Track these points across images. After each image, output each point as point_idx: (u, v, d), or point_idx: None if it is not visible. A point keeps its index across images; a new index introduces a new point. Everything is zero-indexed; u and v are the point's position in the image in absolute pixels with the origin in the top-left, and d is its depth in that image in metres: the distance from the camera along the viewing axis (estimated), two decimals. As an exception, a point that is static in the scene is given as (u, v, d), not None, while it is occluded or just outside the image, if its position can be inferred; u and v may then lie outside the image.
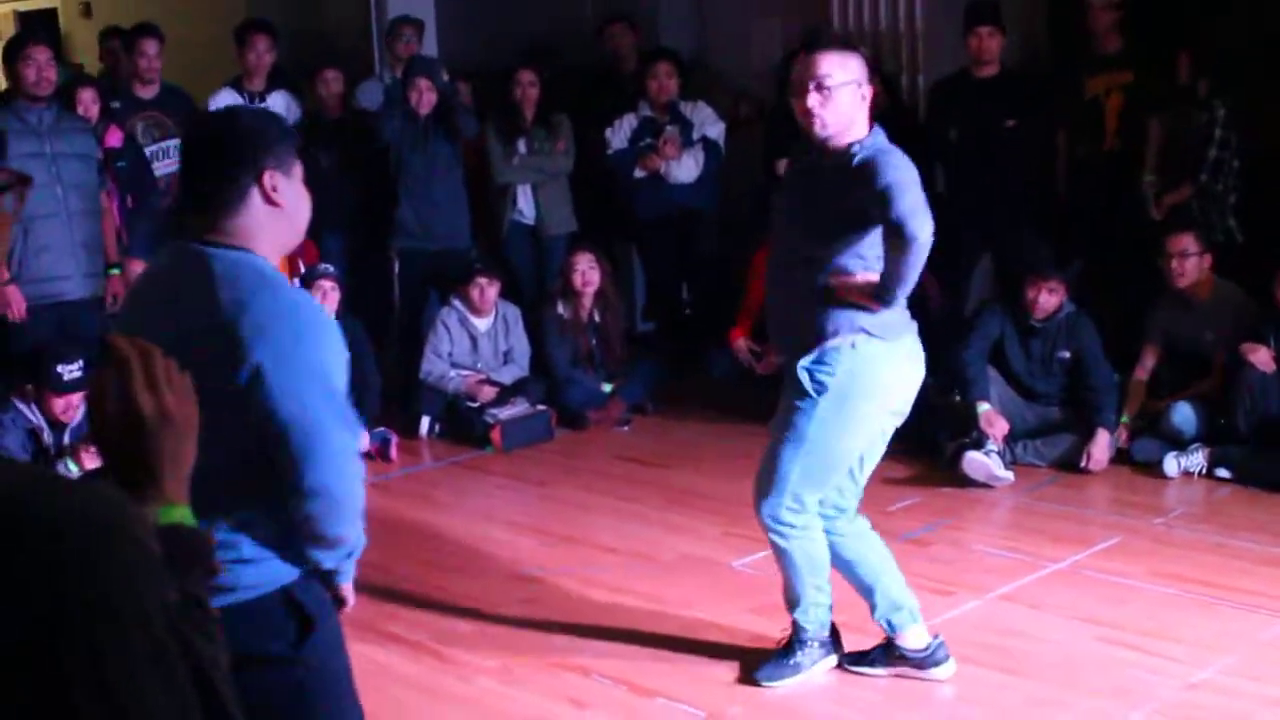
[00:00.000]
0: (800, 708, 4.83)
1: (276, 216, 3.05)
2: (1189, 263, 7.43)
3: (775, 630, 5.19)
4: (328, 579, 3.15)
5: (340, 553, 3.07)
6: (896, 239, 4.45)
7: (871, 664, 5.06)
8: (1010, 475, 7.11)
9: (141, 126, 8.95)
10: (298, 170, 3.11)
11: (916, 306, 4.93)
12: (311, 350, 2.92)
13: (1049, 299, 7.42)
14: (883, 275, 4.54)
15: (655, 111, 9.28)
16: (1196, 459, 7.13)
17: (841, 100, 4.55)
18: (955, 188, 8.76)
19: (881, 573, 4.99)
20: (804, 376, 4.67)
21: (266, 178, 3.01)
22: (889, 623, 5.00)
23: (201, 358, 2.66)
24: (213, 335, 2.87)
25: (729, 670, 5.10)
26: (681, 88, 9.36)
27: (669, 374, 9.05)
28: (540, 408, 8.43)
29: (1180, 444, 7.27)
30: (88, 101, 8.39)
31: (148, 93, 9.04)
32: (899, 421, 4.85)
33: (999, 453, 7.19)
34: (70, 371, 6.78)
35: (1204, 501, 6.90)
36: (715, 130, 9.37)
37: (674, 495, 7.24)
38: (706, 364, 9.12)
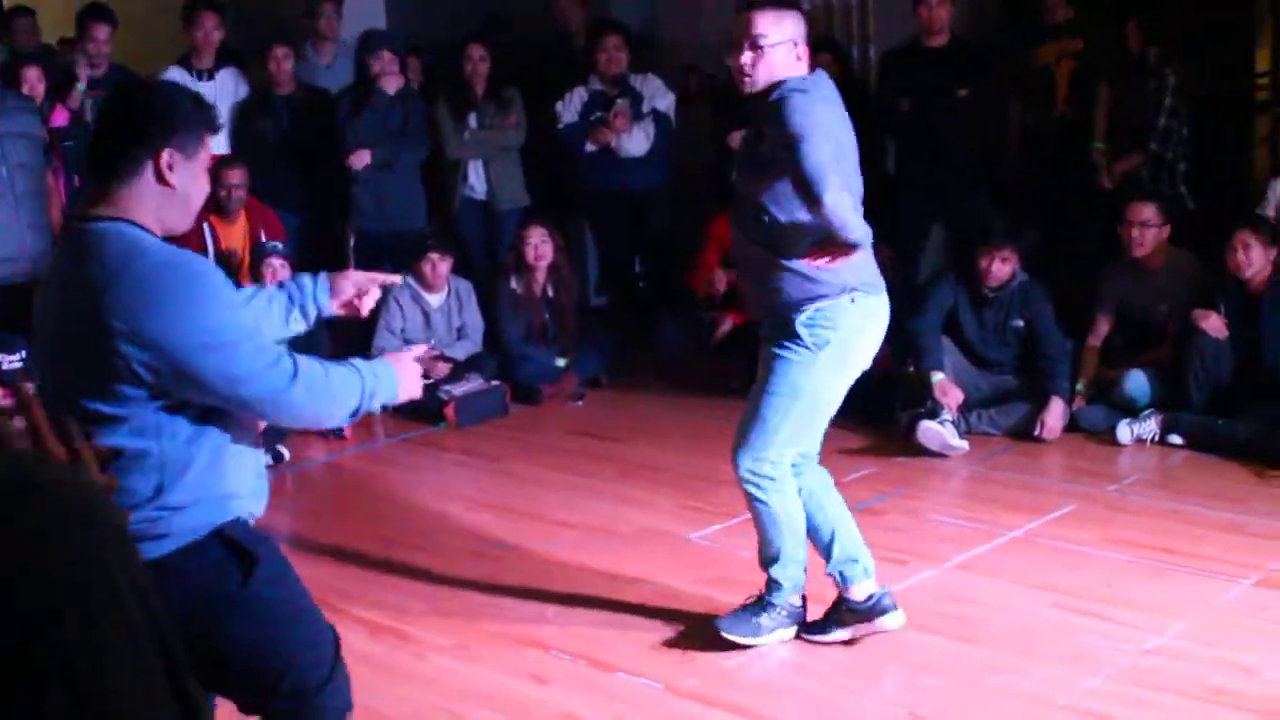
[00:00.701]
0: (756, 679, 4.83)
1: (166, 195, 3.14)
2: (1149, 233, 7.46)
3: (732, 601, 5.19)
4: None
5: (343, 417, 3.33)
6: (805, 197, 4.46)
7: (826, 630, 5.07)
8: (965, 444, 7.14)
9: (89, 103, 8.86)
10: (202, 154, 3.19)
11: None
12: (190, 305, 3.00)
13: (1001, 268, 7.44)
14: (824, 234, 4.54)
15: (605, 85, 9.26)
16: (1149, 426, 7.17)
17: (774, 59, 4.59)
18: (906, 158, 8.79)
19: (839, 523, 5.02)
20: (804, 332, 4.71)
21: (165, 156, 3.11)
22: (841, 574, 5.01)
23: (86, 331, 2.98)
24: (91, 309, 2.99)
25: (687, 642, 5.09)
26: (631, 61, 9.33)
27: (622, 348, 9.05)
28: (494, 383, 8.41)
29: (1133, 412, 7.31)
30: (33, 80, 8.30)
31: (97, 71, 8.94)
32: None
33: (953, 422, 7.21)
34: (11, 362, 6.70)
35: (1157, 468, 6.94)
36: (665, 102, 9.36)
37: (629, 469, 7.24)
38: (658, 337, 9.13)
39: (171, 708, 1.30)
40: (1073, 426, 7.40)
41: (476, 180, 9.35)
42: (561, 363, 8.72)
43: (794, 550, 5.00)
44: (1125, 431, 7.21)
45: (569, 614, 5.41)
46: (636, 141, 9.28)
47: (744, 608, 5.10)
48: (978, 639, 5.04)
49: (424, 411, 8.16)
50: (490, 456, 7.64)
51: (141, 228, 3.11)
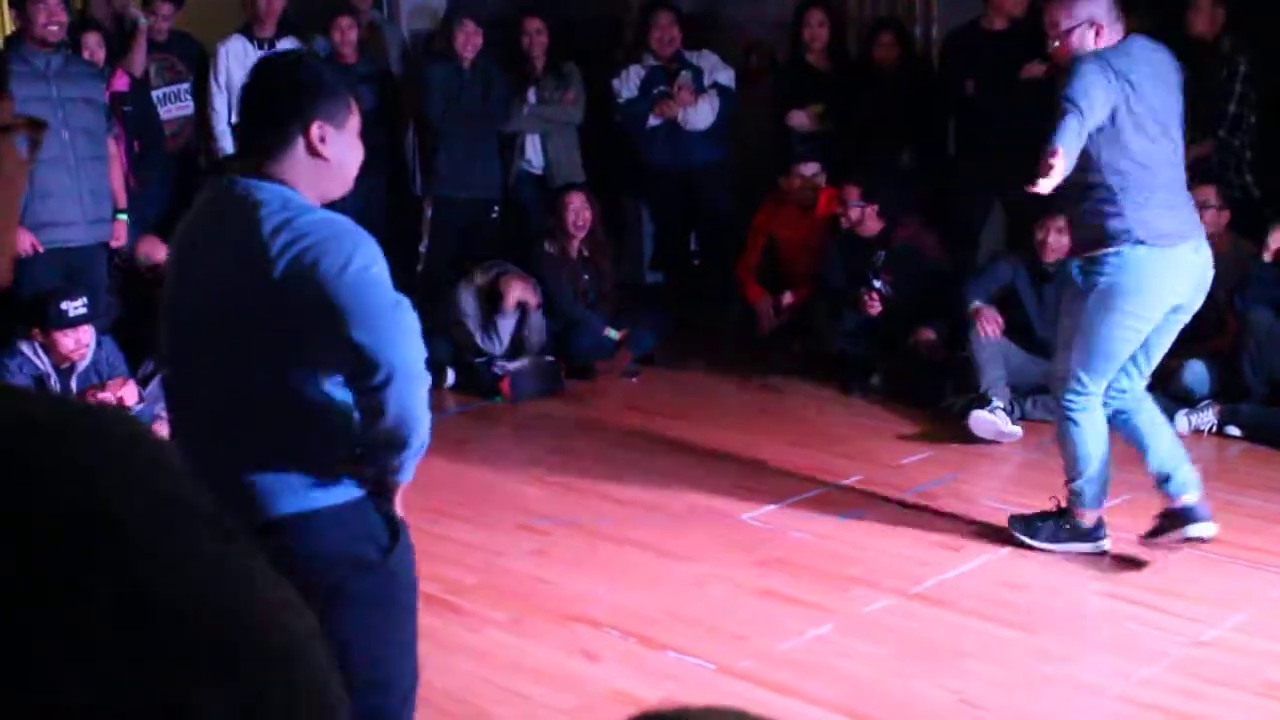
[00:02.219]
0: (806, 661, 4.82)
1: (320, 167, 3.18)
2: (1208, 214, 7.36)
3: (784, 585, 5.19)
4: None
5: (416, 444, 3.16)
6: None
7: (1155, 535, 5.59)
8: (1018, 430, 7.10)
9: (154, 68, 8.91)
10: (352, 123, 3.23)
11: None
12: (353, 262, 3.00)
13: (1058, 239, 7.37)
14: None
15: (660, 61, 9.25)
16: (1207, 416, 7.11)
17: (1071, 42, 5.25)
18: (967, 139, 8.75)
19: (1152, 441, 5.64)
20: (1080, 277, 5.35)
21: (315, 128, 3.14)
22: (1163, 488, 5.60)
23: (246, 285, 3.02)
24: (258, 260, 3.00)
25: (738, 623, 5.09)
26: (686, 38, 9.32)
27: (676, 325, 9.03)
28: (548, 359, 8.41)
29: (1191, 402, 7.25)
30: (93, 46, 8.33)
31: (159, 36, 8.98)
32: (1157, 319, 5.39)
33: (1005, 409, 7.16)
34: (75, 308, 6.77)
35: (1214, 459, 6.88)
36: (726, 76, 9.34)
37: (683, 446, 7.23)
38: (725, 308, 9.14)
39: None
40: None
41: (534, 154, 9.36)
42: (613, 334, 8.69)
43: (1095, 472, 5.56)
44: (1183, 422, 7.15)
45: (621, 591, 5.41)
46: (702, 114, 9.24)
47: (1041, 514, 5.70)
48: (1030, 626, 5.02)
49: (480, 386, 8.19)
50: (544, 431, 7.65)
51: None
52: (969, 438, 7.11)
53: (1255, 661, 4.71)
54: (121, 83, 8.50)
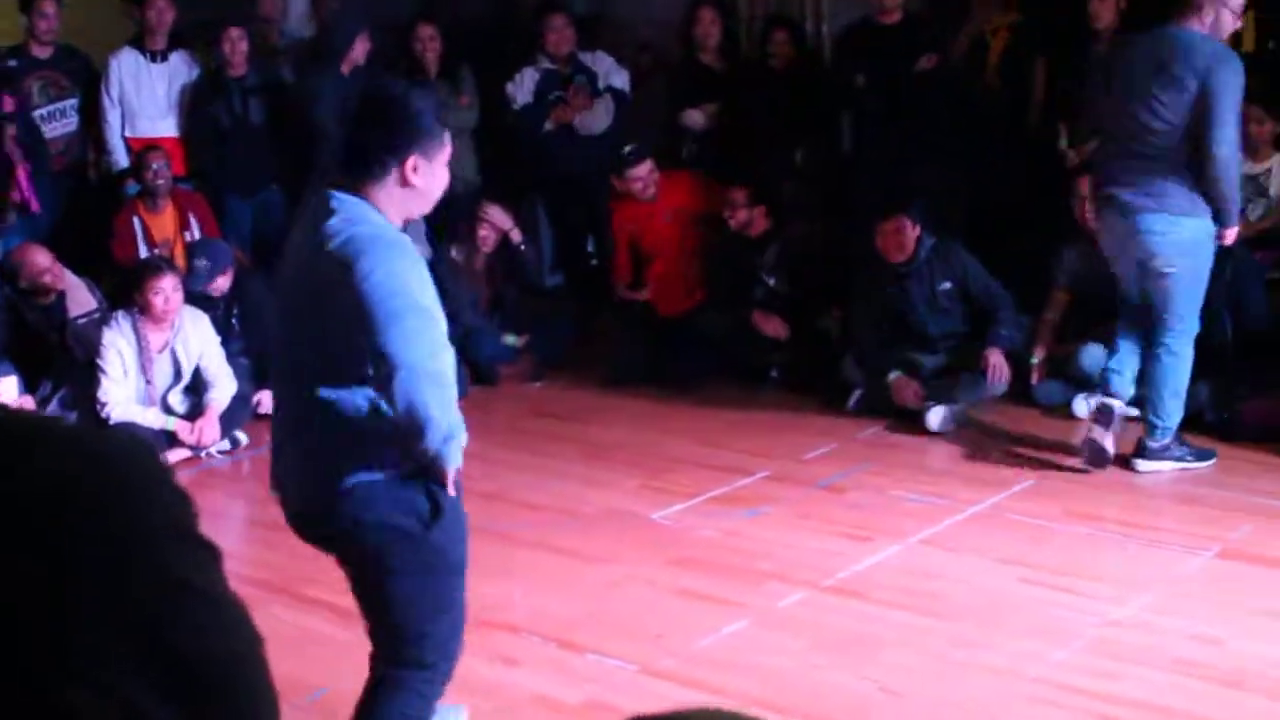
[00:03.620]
0: (727, 658, 4.84)
1: (408, 193, 3.58)
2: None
3: (699, 583, 5.21)
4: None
5: (435, 435, 3.38)
6: None
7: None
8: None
9: (37, 86, 8.79)
10: (443, 153, 3.65)
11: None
12: (377, 270, 3.34)
13: (897, 240, 7.45)
14: None
15: (555, 64, 9.23)
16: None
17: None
18: (862, 135, 8.83)
19: None
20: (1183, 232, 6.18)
21: (410, 163, 3.53)
22: None
23: (319, 285, 3.45)
24: (319, 261, 3.42)
25: (657, 623, 5.10)
26: (579, 39, 9.32)
27: (579, 329, 9.03)
28: (450, 365, 8.36)
29: (1090, 386, 7.34)
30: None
31: (43, 52, 8.87)
32: None
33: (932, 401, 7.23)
34: None
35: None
36: (620, 79, 9.34)
37: (590, 450, 7.23)
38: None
39: None
40: (1031, 402, 7.44)
41: (427, 156, 9.31)
42: (513, 339, 8.68)
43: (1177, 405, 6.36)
44: (1082, 406, 7.25)
45: (537, 596, 5.41)
46: (597, 118, 9.24)
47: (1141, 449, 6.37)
48: (944, 613, 5.07)
49: (384, 394, 8.13)
50: (450, 438, 7.61)
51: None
52: (874, 429, 7.19)
53: (1165, 639, 4.79)
54: (7, 105, 8.40)
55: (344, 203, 3.49)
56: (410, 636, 3.73)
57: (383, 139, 3.54)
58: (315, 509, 3.68)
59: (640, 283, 8.80)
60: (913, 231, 7.46)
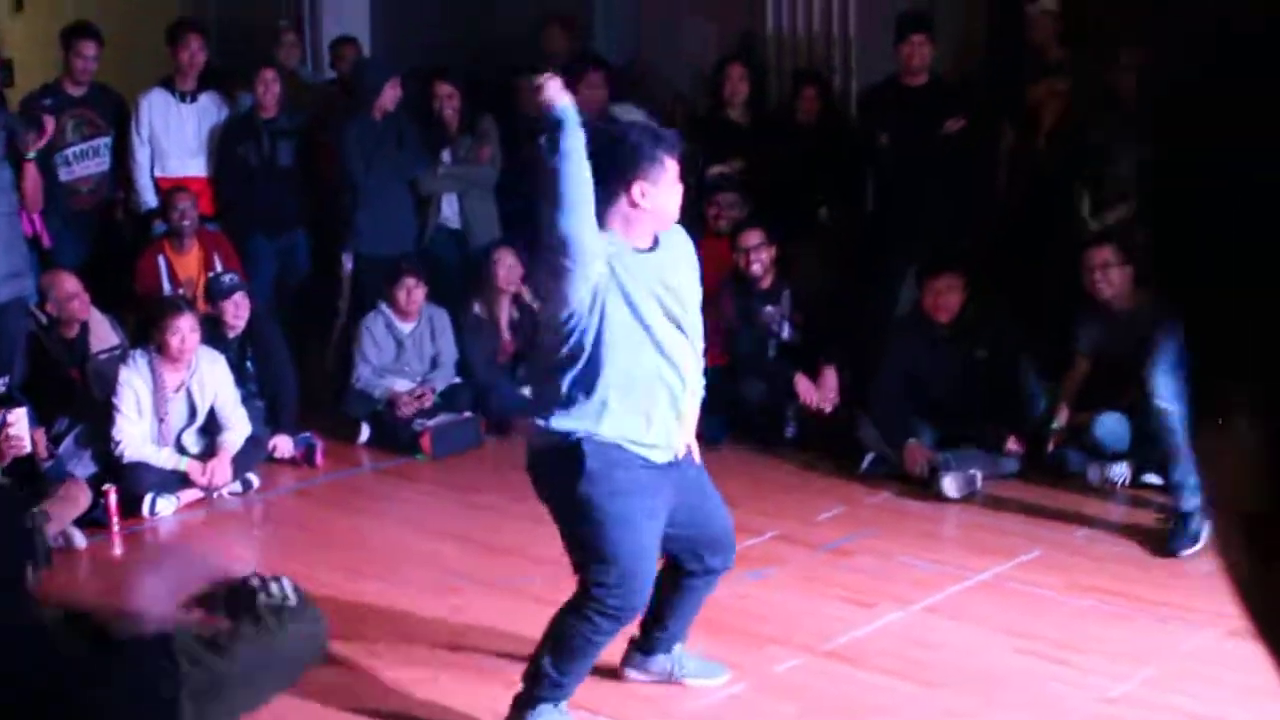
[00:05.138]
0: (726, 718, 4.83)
1: (638, 213, 4.31)
2: (1113, 273, 7.43)
3: (699, 645, 5.19)
4: None
5: None
6: None
7: None
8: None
9: (71, 124, 8.87)
10: (668, 175, 4.33)
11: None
12: None
13: (948, 298, 7.42)
14: None
15: (588, 119, 9.22)
16: (1119, 469, 7.16)
17: None
18: (885, 194, 8.84)
19: None
20: None
21: (635, 188, 4.27)
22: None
23: None
24: None
25: (658, 686, 5.08)
26: (612, 93, 9.34)
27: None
28: (468, 415, 8.39)
29: (1103, 455, 7.30)
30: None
31: (77, 90, 8.94)
32: None
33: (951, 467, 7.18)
34: None
35: (1125, 513, 6.94)
36: (652, 136, 9.35)
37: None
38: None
39: None
40: (1045, 469, 7.39)
41: (451, 212, 9.37)
42: (529, 392, 8.68)
43: None
44: (1095, 473, 7.21)
45: (534, 651, 5.38)
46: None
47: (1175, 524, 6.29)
48: (942, 683, 5.05)
49: (400, 442, 8.15)
50: (464, 488, 7.61)
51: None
52: (882, 493, 7.16)
53: (1164, 716, 4.76)
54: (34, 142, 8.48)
55: None
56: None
57: (609, 169, 4.22)
58: None
59: None
60: (963, 292, 7.44)
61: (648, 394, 4.41)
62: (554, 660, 4.57)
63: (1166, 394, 6.28)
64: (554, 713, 4.62)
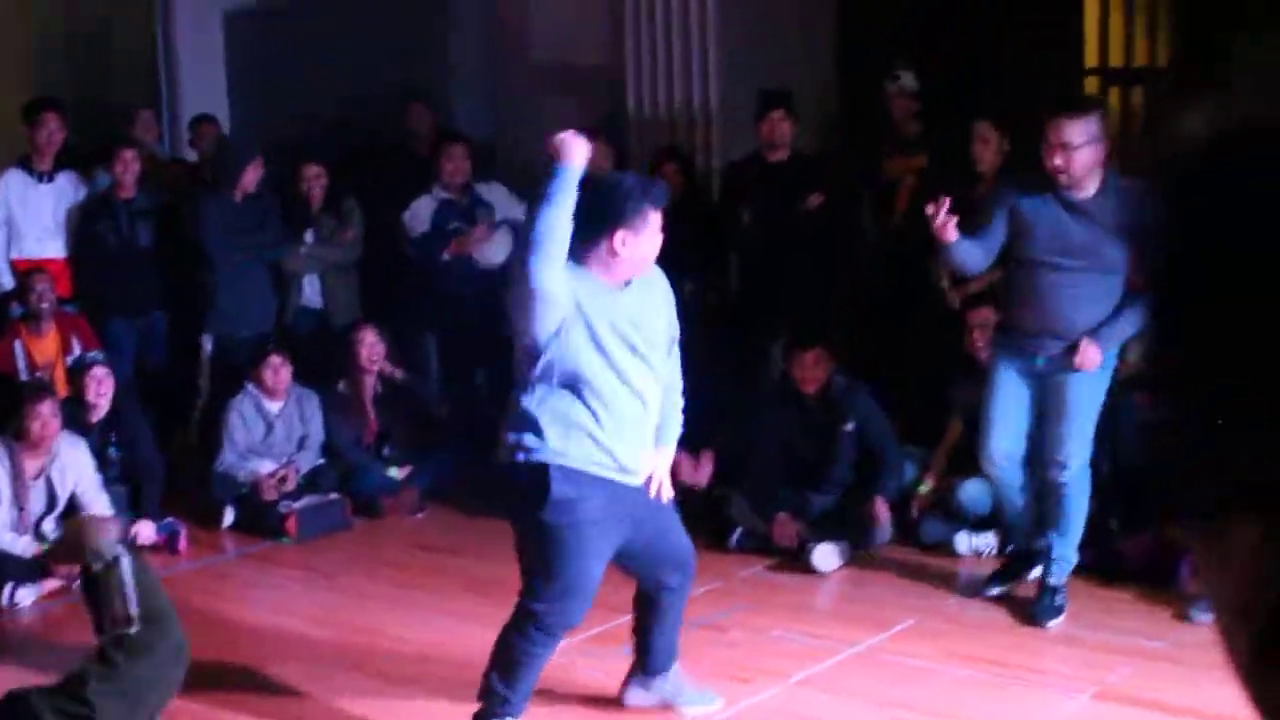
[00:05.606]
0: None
1: (616, 260, 4.67)
2: (989, 335, 7.54)
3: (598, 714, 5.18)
4: None
5: None
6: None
7: None
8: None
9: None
10: (650, 226, 4.70)
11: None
12: None
13: (815, 371, 7.48)
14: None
15: (451, 193, 9.24)
16: (987, 538, 7.23)
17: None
18: (747, 271, 8.90)
19: None
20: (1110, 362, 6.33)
21: (618, 236, 4.63)
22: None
23: None
24: None
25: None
26: (475, 170, 9.35)
27: (465, 460, 8.95)
28: (334, 496, 8.30)
29: (966, 521, 7.37)
30: None
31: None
32: None
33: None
34: None
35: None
36: (517, 212, 9.32)
37: (472, 583, 7.15)
38: None
39: None
40: (913, 539, 7.45)
41: (312, 292, 9.33)
42: (395, 472, 8.62)
43: None
44: (963, 543, 7.28)
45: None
46: (496, 250, 9.26)
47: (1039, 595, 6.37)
48: (819, 759, 5.04)
49: (265, 526, 8.04)
50: (331, 572, 7.51)
51: None
52: (754, 567, 7.16)
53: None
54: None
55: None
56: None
57: (592, 217, 4.56)
58: None
59: None
60: (829, 365, 7.50)
61: (612, 422, 4.76)
62: (500, 676, 4.94)
63: (1075, 467, 6.37)
64: None
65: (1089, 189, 6.14)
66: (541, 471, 4.74)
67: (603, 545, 4.88)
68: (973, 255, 6.39)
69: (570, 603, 4.88)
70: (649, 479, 5.02)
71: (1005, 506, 6.77)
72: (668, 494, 5.16)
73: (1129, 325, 6.26)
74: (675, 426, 5.21)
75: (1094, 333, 6.21)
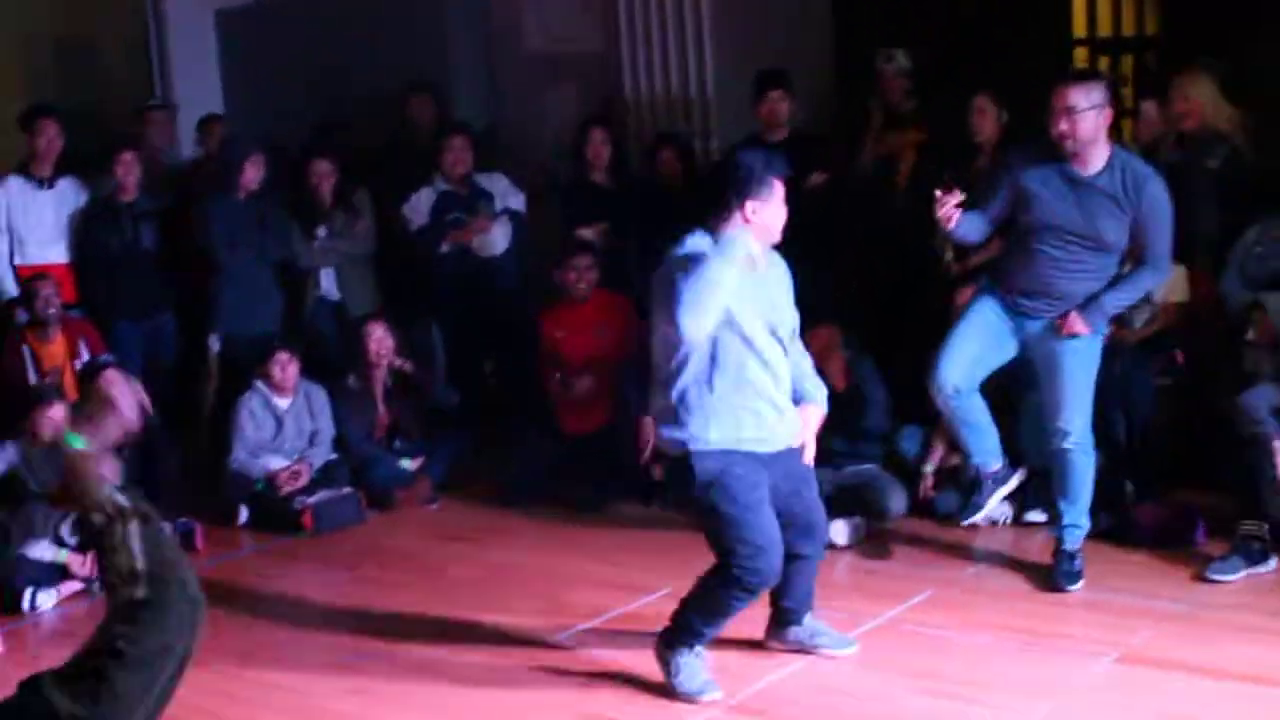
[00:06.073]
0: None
1: (750, 227, 5.10)
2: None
3: (608, 708, 5.21)
4: None
5: None
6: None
7: None
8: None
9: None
10: (777, 195, 5.18)
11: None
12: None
13: (825, 353, 7.49)
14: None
15: (452, 184, 9.26)
16: (1002, 509, 7.25)
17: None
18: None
19: None
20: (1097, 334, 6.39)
21: (749, 205, 5.10)
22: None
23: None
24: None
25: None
26: (476, 160, 9.36)
27: (476, 449, 8.98)
28: (347, 490, 8.32)
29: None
30: None
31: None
32: None
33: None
34: None
35: (1011, 548, 7.04)
36: (517, 201, 9.40)
37: (490, 571, 7.19)
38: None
39: None
40: (927, 512, 7.48)
41: (329, 285, 9.35)
42: (408, 464, 8.65)
43: None
44: (977, 514, 7.29)
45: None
46: (495, 240, 9.28)
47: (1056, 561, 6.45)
48: (849, 731, 5.07)
49: (281, 521, 8.06)
50: (348, 564, 7.54)
51: None
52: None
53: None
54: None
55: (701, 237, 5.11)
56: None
57: (725, 189, 5.09)
58: None
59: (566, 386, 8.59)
60: (838, 340, 7.55)
61: (752, 400, 5.19)
62: (699, 616, 5.34)
63: (1077, 433, 6.41)
64: (690, 655, 5.39)
65: (1095, 164, 6.16)
66: (684, 458, 5.17)
67: (763, 503, 5.20)
68: (975, 227, 6.43)
69: (767, 557, 5.18)
70: (800, 447, 5.47)
71: (960, 435, 6.79)
72: (810, 454, 5.52)
73: (1122, 297, 6.34)
74: (818, 386, 5.60)
75: (1084, 305, 6.26)
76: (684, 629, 5.39)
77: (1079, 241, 6.21)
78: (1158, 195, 6.18)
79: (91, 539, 3.13)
